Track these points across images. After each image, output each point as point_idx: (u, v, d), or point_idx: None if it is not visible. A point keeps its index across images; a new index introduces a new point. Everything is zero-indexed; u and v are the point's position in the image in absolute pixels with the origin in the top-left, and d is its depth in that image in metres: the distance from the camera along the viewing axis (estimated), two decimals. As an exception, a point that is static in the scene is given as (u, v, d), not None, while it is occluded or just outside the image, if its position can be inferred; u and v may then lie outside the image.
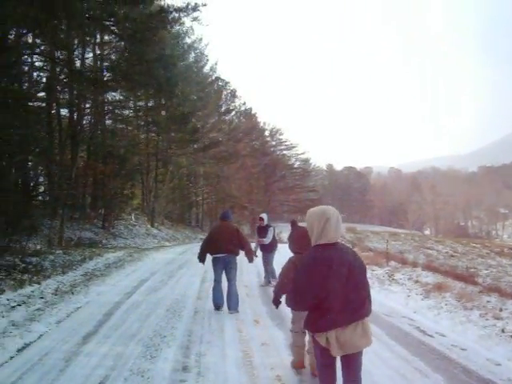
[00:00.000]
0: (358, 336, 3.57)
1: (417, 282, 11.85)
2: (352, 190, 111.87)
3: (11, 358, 5.84)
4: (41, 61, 20.07)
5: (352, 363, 3.70)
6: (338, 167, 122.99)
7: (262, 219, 12.10)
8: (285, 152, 74.30)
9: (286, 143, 72.67)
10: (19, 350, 6.13)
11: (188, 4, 20.89)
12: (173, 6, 21.03)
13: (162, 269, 14.41)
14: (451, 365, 5.73)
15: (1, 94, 14.04)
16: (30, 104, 17.94)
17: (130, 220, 32.52)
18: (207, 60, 44.90)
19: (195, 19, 31.54)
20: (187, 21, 31.47)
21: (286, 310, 8.26)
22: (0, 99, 13.85)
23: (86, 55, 25.58)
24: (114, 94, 28.41)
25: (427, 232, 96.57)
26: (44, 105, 21.85)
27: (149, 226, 34.57)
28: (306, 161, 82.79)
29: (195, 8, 21.05)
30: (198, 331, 7.13)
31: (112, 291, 10.43)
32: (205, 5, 21.67)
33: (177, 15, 21.68)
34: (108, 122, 31.51)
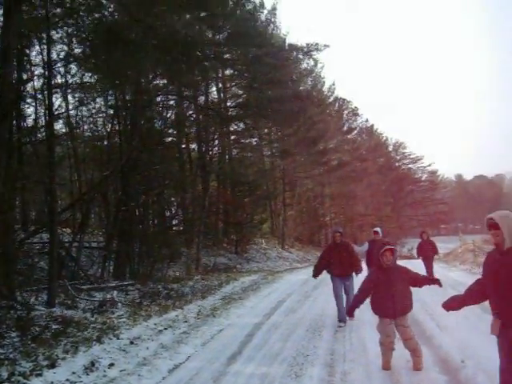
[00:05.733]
0: None
1: None
2: (484, 200, 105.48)
3: (163, 378, 6.20)
4: (171, 99, 21.31)
5: None
6: (468, 176, 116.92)
7: (376, 233, 12.11)
8: (410, 166, 72.13)
9: (411, 156, 70.58)
10: (170, 371, 6.49)
11: (310, 45, 21.74)
12: (296, 45, 21.85)
13: (298, 290, 14.53)
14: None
15: (138, 132, 15.17)
16: (165, 140, 19.20)
17: (261, 244, 33.18)
18: (324, 82, 45.10)
19: (314, 59, 32.44)
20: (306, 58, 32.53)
21: (431, 331, 7.98)
22: (137, 139, 14.98)
23: (210, 89, 26.89)
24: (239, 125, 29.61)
25: None
26: (175, 140, 23.21)
27: (279, 248, 35.02)
28: (434, 173, 79.60)
29: (317, 49, 21.75)
30: (341, 349, 7.10)
31: (251, 313, 10.71)
32: (327, 46, 22.41)
33: (301, 57, 22.54)
34: (235, 151, 32.66)
